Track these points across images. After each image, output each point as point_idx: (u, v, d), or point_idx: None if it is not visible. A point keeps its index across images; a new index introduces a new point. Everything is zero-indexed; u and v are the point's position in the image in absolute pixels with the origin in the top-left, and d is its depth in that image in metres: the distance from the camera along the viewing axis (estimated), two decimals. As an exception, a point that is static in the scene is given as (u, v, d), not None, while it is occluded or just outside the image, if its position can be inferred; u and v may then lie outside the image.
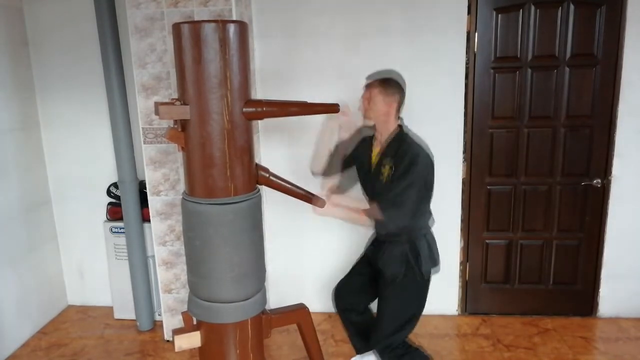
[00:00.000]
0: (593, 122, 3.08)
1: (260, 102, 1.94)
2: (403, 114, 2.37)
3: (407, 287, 2.37)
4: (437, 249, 2.44)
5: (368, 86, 2.34)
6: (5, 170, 3.05)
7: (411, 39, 3.04)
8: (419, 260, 2.33)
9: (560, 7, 2.97)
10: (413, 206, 2.26)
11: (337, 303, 2.65)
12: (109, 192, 3.33)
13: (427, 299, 2.42)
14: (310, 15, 3.06)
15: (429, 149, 2.32)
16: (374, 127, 2.42)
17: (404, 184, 2.23)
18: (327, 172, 2.60)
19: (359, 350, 2.73)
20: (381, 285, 2.44)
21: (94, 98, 3.28)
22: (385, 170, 2.32)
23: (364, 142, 2.50)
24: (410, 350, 2.47)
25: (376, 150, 2.41)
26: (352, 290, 2.61)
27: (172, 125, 1.95)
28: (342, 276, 2.67)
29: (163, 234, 2.99)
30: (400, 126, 2.36)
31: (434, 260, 2.41)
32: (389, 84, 2.29)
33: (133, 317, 3.33)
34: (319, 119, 2.74)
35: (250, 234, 1.97)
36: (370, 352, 2.70)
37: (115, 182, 3.24)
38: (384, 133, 2.36)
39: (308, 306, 2.31)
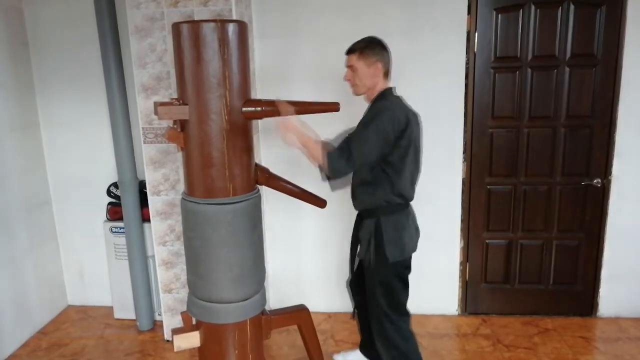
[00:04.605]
0: (593, 122, 3.08)
1: (259, 102, 1.94)
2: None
3: (374, 271, 2.25)
4: (409, 236, 2.27)
5: (348, 55, 2.28)
6: (5, 170, 3.05)
7: (411, 39, 3.04)
8: (382, 242, 2.20)
9: (560, 7, 2.97)
10: (361, 156, 2.12)
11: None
12: (109, 192, 3.33)
13: (409, 294, 2.30)
14: (310, 15, 3.06)
15: (407, 112, 2.20)
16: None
17: (360, 129, 2.16)
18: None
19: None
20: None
21: (94, 98, 3.28)
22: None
23: None
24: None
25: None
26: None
27: (171, 125, 1.95)
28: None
29: (163, 234, 2.99)
30: (389, 88, 2.28)
31: (401, 247, 2.24)
32: (367, 46, 2.24)
33: (133, 317, 3.33)
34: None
35: (250, 234, 1.97)
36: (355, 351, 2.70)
37: (115, 182, 3.24)
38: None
39: (308, 306, 2.31)
